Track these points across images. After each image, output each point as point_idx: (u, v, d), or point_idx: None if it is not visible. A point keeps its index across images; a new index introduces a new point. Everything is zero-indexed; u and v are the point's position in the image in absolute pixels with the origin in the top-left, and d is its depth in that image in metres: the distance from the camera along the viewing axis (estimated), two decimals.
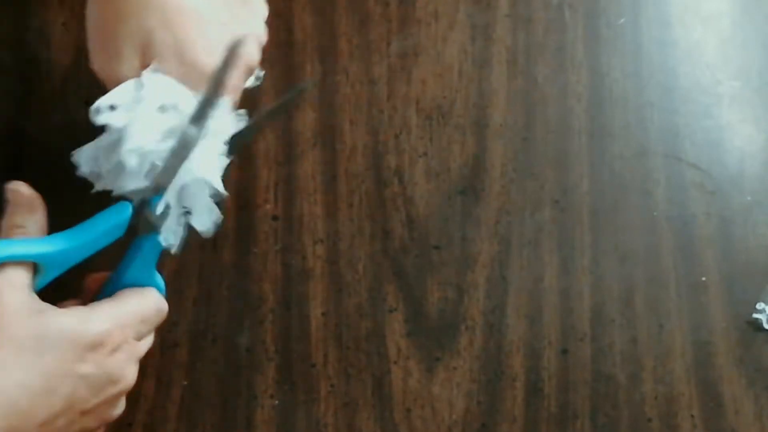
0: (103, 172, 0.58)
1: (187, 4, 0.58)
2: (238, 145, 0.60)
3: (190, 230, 0.59)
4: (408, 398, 0.64)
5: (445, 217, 0.68)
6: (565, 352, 0.65)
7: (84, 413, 0.54)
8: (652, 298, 0.67)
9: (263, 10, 0.64)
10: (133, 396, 0.62)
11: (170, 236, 0.58)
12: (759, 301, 0.66)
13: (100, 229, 0.56)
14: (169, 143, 0.57)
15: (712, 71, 0.73)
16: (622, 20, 0.74)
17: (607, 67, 0.73)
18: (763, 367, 0.65)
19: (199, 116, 0.57)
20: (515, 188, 0.69)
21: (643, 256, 0.68)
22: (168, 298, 0.62)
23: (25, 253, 0.54)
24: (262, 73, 0.65)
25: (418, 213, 0.69)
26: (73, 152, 0.58)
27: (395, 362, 0.65)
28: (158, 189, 0.57)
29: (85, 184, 0.68)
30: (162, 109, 0.57)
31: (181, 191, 0.58)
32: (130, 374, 0.56)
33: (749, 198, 0.69)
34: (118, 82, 0.57)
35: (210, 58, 0.58)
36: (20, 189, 0.57)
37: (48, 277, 0.55)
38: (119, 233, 0.57)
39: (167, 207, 0.57)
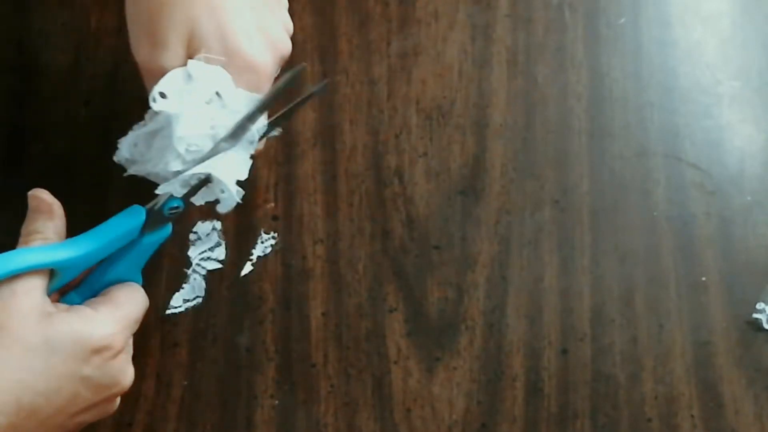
0: (138, 158, 0.59)
1: None
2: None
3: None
4: (408, 398, 0.64)
5: (445, 217, 0.68)
6: (565, 352, 0.65)
7: (83, 411, 0.55)
8: (652, 298, 0.67)
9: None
10: (133, 396, 0.62)
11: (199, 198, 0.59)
12: (759, 301, 0.66)
13: (116, 233, 0.57)
14: (212, 133, 0.57)
15: (712, 71, 0.73)
16: (622, 20, 0.74)
17: (607, 67, 0.73)
18: (763, 367, 0.65)
19: (239, 131, 0.58)
20: (515, 188, 0.69)
21: (643, 256, 0.68)
22: (168, 298, 0.62)
23: (43, 262, 0.54)
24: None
25: (418, 213, 0.68)
26: (119, 140, 0.59)
27: (395, 362, 0.65)
28: (186, 183, 0.57)
29: (85, 183, 0.68)
30: (209, 99, 0.58)
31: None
32: (129, 374, 0.57)
33: (749, 198, 0.69)
34: (161, 73, 0.57)
35: (250, 46, 0.58)
36: (41, 195, 0.57)
37: (63, 279, 0.56)
38: (133, 236, 0.58)
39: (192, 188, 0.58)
